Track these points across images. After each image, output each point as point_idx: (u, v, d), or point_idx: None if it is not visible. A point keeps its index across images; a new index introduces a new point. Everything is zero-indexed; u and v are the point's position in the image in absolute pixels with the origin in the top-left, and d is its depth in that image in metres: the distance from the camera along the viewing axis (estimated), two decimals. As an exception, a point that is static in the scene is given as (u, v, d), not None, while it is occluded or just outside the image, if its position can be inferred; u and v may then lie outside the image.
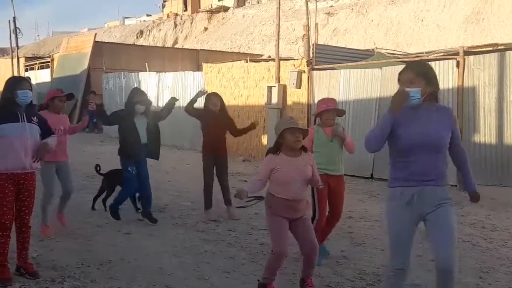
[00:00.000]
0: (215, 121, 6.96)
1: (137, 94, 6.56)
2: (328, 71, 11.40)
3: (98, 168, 7.43)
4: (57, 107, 5.75)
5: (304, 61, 11.70)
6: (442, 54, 10.75)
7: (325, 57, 11.99)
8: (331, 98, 5.56)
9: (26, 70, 25.48)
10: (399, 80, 3.33)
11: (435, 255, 3.26)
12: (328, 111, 5.14)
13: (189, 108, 7.10)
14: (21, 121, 4.29)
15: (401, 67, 11.16)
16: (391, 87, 10.20)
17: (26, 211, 4.42)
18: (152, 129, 6.53)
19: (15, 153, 4.23)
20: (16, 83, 4.38)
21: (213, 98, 7.09)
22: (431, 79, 3.33)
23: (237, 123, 13.05)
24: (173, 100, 6.85)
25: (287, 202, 4.12)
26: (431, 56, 10.56)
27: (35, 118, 4.44)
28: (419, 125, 3.23)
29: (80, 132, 6.22)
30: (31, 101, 4.37)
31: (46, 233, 5.69)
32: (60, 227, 5.92)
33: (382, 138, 3.28)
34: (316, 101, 11.32)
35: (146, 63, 18.93)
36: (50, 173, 5.68)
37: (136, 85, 17.29)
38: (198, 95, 7.25)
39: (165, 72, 17.17)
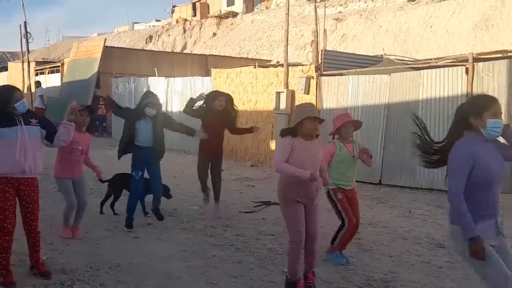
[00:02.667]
0: (214, 120, 6.99)
1: (147, 97, 6.54)
2: (336, 77, 11.41)
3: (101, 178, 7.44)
4: (77, 122, 5.54)
5: (313, 66, 11.72)
6: (451, 60, 10.73)
7: (334, 63, 12.00)
8: (345, 113, 5.69)
9: (37, 74, 25.67)
10: (495, 112, 3.18)
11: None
12: (346, 126, 5.23)
13: (188, 111, 7.18)
14: (19, 125, 4.26)
15: (409, 73, 11.15)
16: (400, 93, 10.21)
17: (32, 217, 4.41)
18: (159, 134, 6.54)
19: (13, 157, 4.20)
20: (10, 96, 4.26)
21: (220, 98, 7.12)
22: None
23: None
24: (193, 132, 6.83)
25: (298, 185, 4.21)
26: (440, 63, 10.55)
27: (33, 120, 4.40)
28: (497, 159, 3.22)
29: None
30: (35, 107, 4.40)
31: (65, 231, 5.85)
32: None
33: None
34: (324, 107, 11.43)
35: (155, 68, 19.01)
36: (68, 187, 5.75)
37: (145, 90, 17.40)
38: (198, 98, 7.25)
39: (174, 77, 17.24)
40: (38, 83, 21.38)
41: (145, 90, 17.18)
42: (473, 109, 3.22)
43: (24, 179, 4.33)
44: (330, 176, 5.20)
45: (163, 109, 15.96)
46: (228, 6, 46.97)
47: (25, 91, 22.65)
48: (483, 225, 3.16)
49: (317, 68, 11.63)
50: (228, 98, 7.23)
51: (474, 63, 9.12)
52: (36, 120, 4.44)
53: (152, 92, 6.95)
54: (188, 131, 6.83)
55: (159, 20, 58.53)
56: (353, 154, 5.27)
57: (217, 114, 7.03)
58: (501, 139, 3.32)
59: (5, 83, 28.44)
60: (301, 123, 4.20)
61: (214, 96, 7.20)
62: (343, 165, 5.22)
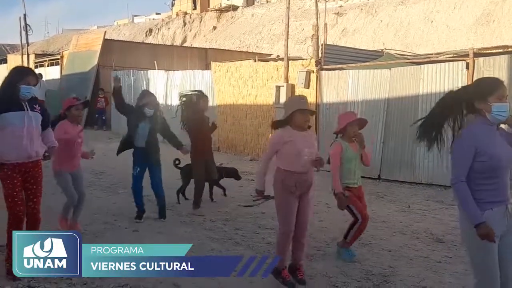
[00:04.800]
0: (204, 122, 7.03)
1: (145, 97, 6.56)
2: (336, 71, 11.38)
3: (177, 162, 7.77)
4: (74, 116, 5.68)
5: (313, 61, 11.69)
6: (452, 55, 10.70)
7: (334, 57, 11.98)
8: (351, 112, 5.63)
9: (36, 67, 25.59)
10: (501, 95, 3.13)
11: (505, 277, 3.17)
12: (352, 124, 5.15)
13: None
14: (26, 110, 4.26)
15: (410, 68, 11.08)
16: (400, 88, 10.19)
17: (34, 199, 4.39)
18: (153, 135, 6.57)
19: (20, 143, 4.21)
20: (20, 76, 4.28)
21: (204, 98, 7.10)
22: None
23: (245, 122, 13.22)
24: (182, 148, 6.81)
25: (297, 175, 4.28)
26: (441, 58, 10.52)
27: (37, 106, 4.41)
28: (504, 145, 3.16)
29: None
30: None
31: (62, 224, 5.80)
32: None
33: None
34: (324, 101, 11.42)
35: (155, 61, 18.97)
36: (67, 181, 5.71)
37: (145, 83, 17.41)
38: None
39: (173, 70, 17.20)
40: (39, 75, 21.34)
41: (144, 83, 17.31)
42: (478, 93, 3.15)
43: (30, 162, 4.33)
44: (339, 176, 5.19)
45: (163, 102, 16.08)
46: (228, -1, 46.87)
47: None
48: (493, 212, 3.10)
49: (317, 63, 11.60)
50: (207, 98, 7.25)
51: (474, 58, 9.11)
52: (40, 108, 4.45)
53: (149, 91, 6.91)
54: (176, 144, 6.80)
55: (159, 13, 58.42)
56: (358, 152, 5.21)
57: (203, 115, 7.03)
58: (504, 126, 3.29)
59: (5, 75, 28.42)
60: (293, 115, 4.27)
61: (196, 97, 7.08)
62: (350, 164, 5.17)
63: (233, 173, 8.06)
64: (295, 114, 4.26)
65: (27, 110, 4.28)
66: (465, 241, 3.26)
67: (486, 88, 3.15)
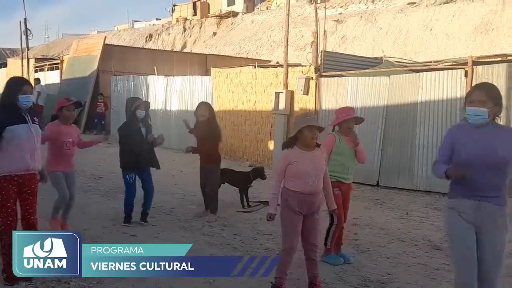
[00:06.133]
0: (199, 131, 7.04)
1: (134, 101, 6.62)
2: (336, 78, 11.42)
3: None
4: (66, 117, 5.79)
5: (312, 67, 11.72)
6: (451, 63, 10.74)
7: (333, 64, 12.01)
8: (349, 107, 5.66)
9: (36, 71, 25.63)
10: (471, 100, 3.45)
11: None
12: (349, 120, 5.21)
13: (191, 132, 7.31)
14: (28, 122, 4.30)
15: (409, 75, 11.10)
16: (399, 95, 10.22)
17: (31, 210, 4.42)
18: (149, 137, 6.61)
19: (22, 155, 4.24)
20: (17, 87, 4.31)
21: (200, 107, 7.15)
22: (499, 101, 3.49)
23: (244, 128, 13.24)
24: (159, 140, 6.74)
25: (302, 195, 4.20)
26: (440, 66, 10.56)
27: (36, 119, 4.45)
28: (479, 143, 3.38)
29: (90, 145, 6.34)
30: (33, 103, 4.41)
31: (54, 227, 5.77)
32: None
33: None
34: (323, 107, 11.44)
35: (154, 67, 19.01)
36: (60, 180, 5.77)
37: (144, 88, 17.45)
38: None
39: (173, 76, 17.23)
40: (37, 80, 21.37)
41: (144, 88, 17.35)
42: (465, 99, 3.57)
43: (27, 174, 4.35)
44: (329, 169, 5.19)
45: (163, 107, 16.14)
46: (228, 5, 47.00)
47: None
48: (462, 201, 3.42)
49: (317, 69, 11.63)
50: (209, 107, 7.24)
51: (473, 67, 9.14)
52: (38, 120, 4.49)
53: (135, 97, 6.92)
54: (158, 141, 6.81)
55: (159, 19, 58.50)
56: (351, 146, 5.24)
57: (200, 125, 7.05)
58: None
59: (4, 79, 28.46)
60: (301, 132, 4.18)
61: (196, 108, 7.22)
62: (342, 158, 5.20)
63: (260, 172, 8.13)
64: (303, 131, 4.16)
65: (29, 122, 4.32)
66: (448, 238, 3.59)
67: (467, 95, 3.58)
